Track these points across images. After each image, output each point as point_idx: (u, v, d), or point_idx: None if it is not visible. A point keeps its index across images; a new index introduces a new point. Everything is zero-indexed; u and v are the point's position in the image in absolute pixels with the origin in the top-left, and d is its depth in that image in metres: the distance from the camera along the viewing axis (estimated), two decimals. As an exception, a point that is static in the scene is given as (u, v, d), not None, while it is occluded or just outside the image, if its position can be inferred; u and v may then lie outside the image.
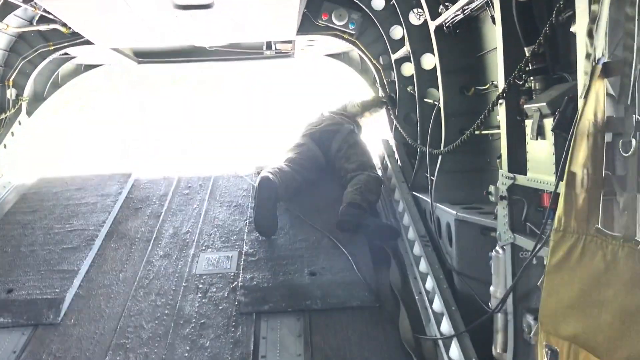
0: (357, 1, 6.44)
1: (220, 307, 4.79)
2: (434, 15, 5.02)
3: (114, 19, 5.95)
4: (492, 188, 3.79)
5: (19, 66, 7.46)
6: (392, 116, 6.66)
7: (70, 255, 5.48)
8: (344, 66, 8.25)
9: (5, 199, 6.81)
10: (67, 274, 5.18)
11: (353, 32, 6.86)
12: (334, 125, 6.46)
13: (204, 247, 5.67)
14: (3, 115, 7.35)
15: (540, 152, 3.20)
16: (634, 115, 2.18)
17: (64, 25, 6.75)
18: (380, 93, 7.04)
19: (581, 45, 2.51)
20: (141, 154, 9.72)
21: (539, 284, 2.83)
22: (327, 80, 8.01)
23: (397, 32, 6.33)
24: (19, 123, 7.72)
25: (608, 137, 2.32)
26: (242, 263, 5.24)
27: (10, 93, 7.55)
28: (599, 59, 2.34)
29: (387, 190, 6.41)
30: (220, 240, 5.80)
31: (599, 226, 2.28)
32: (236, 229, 5.95)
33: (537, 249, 2.95)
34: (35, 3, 6.30)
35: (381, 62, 6.91)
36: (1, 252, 5.64)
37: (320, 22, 6.82)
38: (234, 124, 11.56)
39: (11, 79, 7.48)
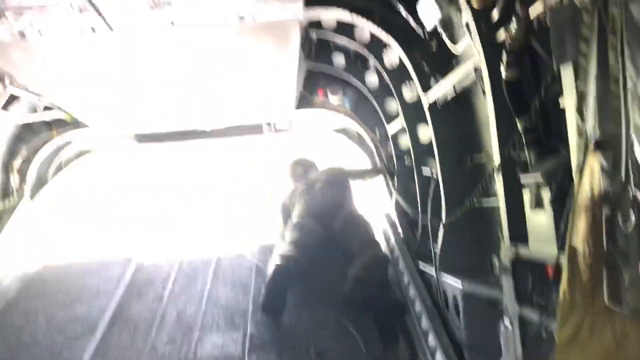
0: (350, 79, 6.63)
1: (226, 393, 4.68)
2: (427, 90, 5.15)
3: (116, 107, 6.12)
4: (495, 259, 3.79)
5: (24, 153, 7.59)
6: (391, 188, 6.72)
7: (73, 344, 5.38)
8: (342, 139, 8.40)
9: (8, 288, 6.77)
10: (70, 364, 5.09)
11: (348, 108, 7.04)
12: (336, 204, 6.47)
13: (208, 330, 5.58)
14: (6, 202, 7.41)
15: (539, 223, 3.22)
16: (629, 189, 2.22)
17: (66, 113, 6.93)
18: (379, 165, 7.13)
19: (571, 121, 2.58)
20: (144, 235, 9.75)
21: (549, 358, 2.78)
22: (325, 153, 8.13)
23: (392, 106, 6.47)
24: (22, 209, 7.77)
25: (606, 210, 2.35)
26: (247, 345, 5.15)
27: (14, 179, 7.65)
28: (590, 135, 2.39)
29: (391, 262, 6.37)
30: (224, 321, 5.71)
31: (605, 300, 2.27)
32: (240, 309, 5.87)
33: (544, 324, 2.92)
34: (40, 95, 6.50)
35: (377, 135, 7.04)
36: (4, 342, 5.54)
37: (317, 99, 7.01)
38: (237, 198, 11.66)
39: (15, 166, 7.60)
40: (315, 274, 6.02)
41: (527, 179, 3.32)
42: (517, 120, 3.51)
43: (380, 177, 7.10)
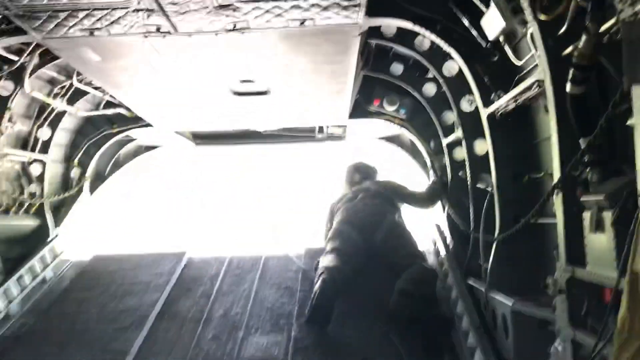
0: (408, 88, 6.57)
1: (267, 395, 4.70)
2: (486, 102, 5.06)
3: (175, 105, 6.27)
4: (550, 280, 3.67)
5: (85, 147, 7.88)
6: (444, 200, 6.60)
7: (122, 335, 5.53)
8: (395, 149, 8.35)
9: (63, 276, 7.03)
10: (117, 354, 5.22)
11: (404, 117, 6.98)
12: (377, 215, 6.35)
13: (253, 330, 5.64)
14: (67, 194, 7.70)
15: (599, 245, 3.10)
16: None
17: (128, 109, 7.14)
18: (432, 177, 7.02)
19: (639, 141, 2.48)
20: (195, 232, 9.96)
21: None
22: (378, 163, 8.08)
23: (449, 117, 6.38)
24: (81, 201, 8.06)
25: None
26: (290, 349, 5.16)
27: (75, 172, 7.94)
28: (658, 156, 2.30)
29: (440, 277, 6.27)
30: (269, 323, 5.76)
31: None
32: (285, 312, 5.91)
33: (598, 349, 2.80)
34: (103, 90, 6.72)
35: (432, 146, 6.95)
36: (57, 328, 5.76)
37: (372, 107, 6.98)
38: (285, 202, 11.79)
39: (76, 159, 7.90)
40: (361, 284, 5.96)
41: (588, 199, 3.20)
42: (580, 138, 3.40)
43: (437, 207, 6.85)
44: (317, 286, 5.49)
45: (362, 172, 7.37)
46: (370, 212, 6.39)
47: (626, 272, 2.38)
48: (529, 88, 4.17)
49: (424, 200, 6.84)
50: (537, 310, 4.10)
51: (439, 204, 6.81)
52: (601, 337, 2.84)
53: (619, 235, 2.87)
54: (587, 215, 3.21)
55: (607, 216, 2.98)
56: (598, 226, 3.09)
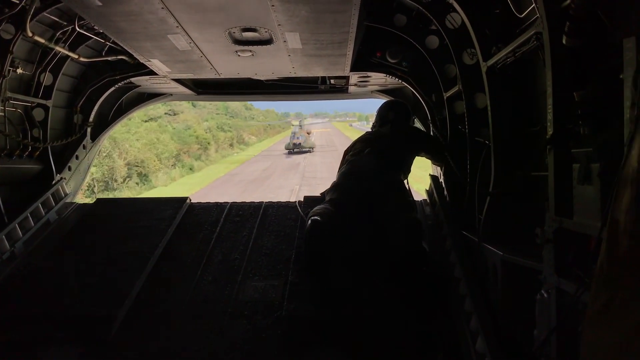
0: (411, 40, 6.54)
1: (263, 335, 4.88)
2: (487, 56, 5.07)
3: (177, 52, 6.26)
4: (538, 230, 3.77)
5: (87, 93, 7.92)
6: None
7: (124, 276, 5.69)
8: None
9: (67, 219, 7.16)
10: (120, 293, 5.39)
11: (406, 70, 6.97)
12: (379, 173, 6.07)
13: (250, 274, 5.80)
14: (69, 139, 7.78)
15: (587, 196, 3.19)
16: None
17: (130, 56, 7.14)
18: (432, 131, 7.07)
19: (627, 93, 2.53)
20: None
21: (580, 328, 2.79)
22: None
23: (450, 70, 6.39)
24: (83, 147, 8.15)
25: (653, 184, 2.31)
26: (287, 292, 5.33)
27: (77, 118, 8.01)
28: (643, 107, 2.34)
29: (435, 227, 6.39)
30: (267, 268, 5.92)
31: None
32: (283, 258, 6.06)
33: (580, 296, 2.92)
34: (105, 35, 6.70)
35: (433, 99, 6.96)
36: (61, 269, 5.92)
37: (374, 59, 6.97)
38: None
39: (79, 105, 7.95)
40: (356, 235, 5.94)
41: (579, 152, 3.27)
42: (575, 91, 3.44)
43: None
44: (307, 227, 5.57)
45: (396, 111, 6.95)
46: (373, 168, 6.10)
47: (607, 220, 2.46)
48: (527, 41, 4.17)
49: (442, 154, 6.65)
50: (525, 260, 4.21)
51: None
52: (583, 284, 2.94)
53: (604, 186, 2.95)
54: (576, 167, 3.29)
55: (595, 168, 3.05)
56: (586, 178, 3.17)
